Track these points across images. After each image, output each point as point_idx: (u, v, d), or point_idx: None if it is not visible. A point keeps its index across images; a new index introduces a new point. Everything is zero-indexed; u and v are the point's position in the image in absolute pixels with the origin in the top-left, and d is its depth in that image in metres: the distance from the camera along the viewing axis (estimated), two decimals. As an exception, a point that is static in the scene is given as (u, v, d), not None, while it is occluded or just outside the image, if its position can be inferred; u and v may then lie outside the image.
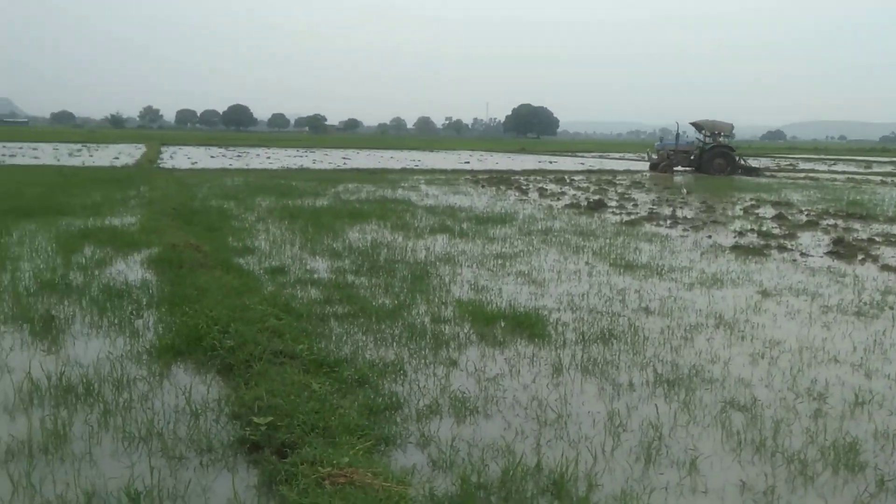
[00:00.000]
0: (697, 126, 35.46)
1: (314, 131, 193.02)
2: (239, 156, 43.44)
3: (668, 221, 14.76)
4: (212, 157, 41.25)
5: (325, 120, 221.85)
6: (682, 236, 12.78)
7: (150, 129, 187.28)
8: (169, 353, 5.48)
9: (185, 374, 5.20)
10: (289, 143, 74.22)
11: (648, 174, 33.02)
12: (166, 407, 4.56)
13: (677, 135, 36.27)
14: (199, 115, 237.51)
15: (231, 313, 6.09)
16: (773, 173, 35.90)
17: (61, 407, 4.55)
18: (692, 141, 35.95)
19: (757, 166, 37.25)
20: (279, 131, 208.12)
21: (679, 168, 34.38)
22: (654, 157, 36.52)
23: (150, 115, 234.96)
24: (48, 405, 4.59)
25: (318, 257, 9.84)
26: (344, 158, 43.74)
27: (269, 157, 42.01)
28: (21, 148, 46.04)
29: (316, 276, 8.59)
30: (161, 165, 30.98)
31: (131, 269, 8.65)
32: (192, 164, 32.80)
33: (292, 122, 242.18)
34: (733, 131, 35.75)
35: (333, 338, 6.06)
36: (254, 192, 18.62)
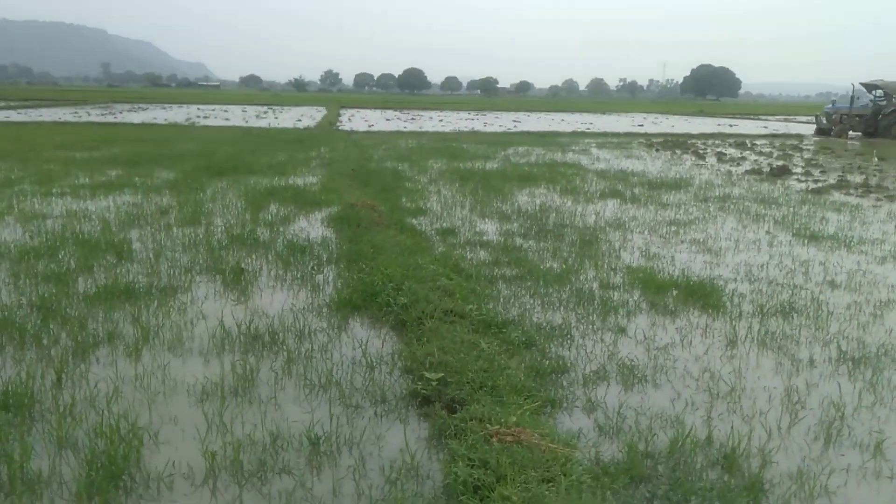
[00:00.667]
0: (870, 87, 32.09)
1: (486, 94, 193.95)
2: (413, 118, 44.34)
3: (860, 190, 13.78)
4: (387, 119, 42.36)
5: (497, 83, 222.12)
6: (874, 206, 11.90)
7: (329, 92, 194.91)
8: (347, 307, 5.75)
9: (362, 327, 5.44)
10: (461, 105, 75.00)
11: (816, 139, 30.66)
12: (344, 358, 4.80)
13: (852, 97, 32.77)
14: (375, 78, 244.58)
15: (404, 271, 6.29)
16: None
17: (249, 353, 4.90)
18: (866, 104, 32.58)
19: None
20: (452, 94, 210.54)
21: (852, 133, 31.44)
22: (824, 121, 33.62)
23: (331, 78, 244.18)
24: (238, 351, 4.95)
25: (487, 220, 9.94)
26: (514, 121, 43.65)
27: (441, 120, 42.61)
28: (213, 110, 49.28)
29: (485, 238, 8.70)
30: (340, 127, 32.18)
31: (312, 227, 9.11)
32: (369, 126, 33.85)
33: (465, 84, 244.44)
34: None
35: (501, 299, 6.14)
36: (426, 155, 19.00)
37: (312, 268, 7.06)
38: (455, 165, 16.52)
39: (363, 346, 4.95)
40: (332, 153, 18.58)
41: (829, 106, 34.91)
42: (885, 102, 31.83)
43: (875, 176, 16.41)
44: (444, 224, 9.46)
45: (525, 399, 4.01)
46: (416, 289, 5.79)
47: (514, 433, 3.51)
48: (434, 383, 4.14)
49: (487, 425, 3.60)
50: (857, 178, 15.69)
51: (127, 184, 12.35)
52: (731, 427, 3.93)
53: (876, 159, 20.86)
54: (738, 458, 3.59)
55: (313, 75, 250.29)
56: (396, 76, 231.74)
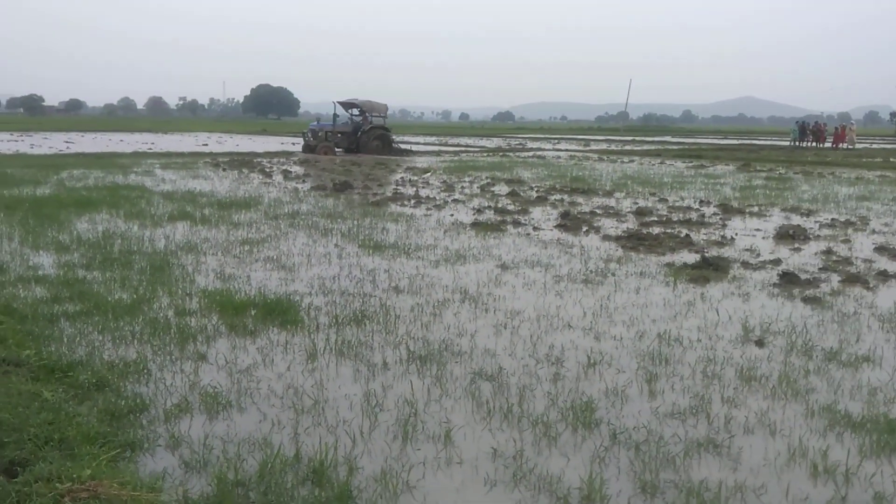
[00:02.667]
0: (347, 105, 34.28)
1: (30, 113, 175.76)
2: (-61, 140, 38.66)
3: (412, 201, 15.13)
4: None
5: (43, 100, 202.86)
6: (426, 215, 13.16)
7: None
8: None
9: None
10: (1, 125, 67.25)
11: (302, 156, 31.05)
12: None
13: (335, 115, 33.87)
14: None
15: (-61, 320, 5.39)
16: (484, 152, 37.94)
17: None
18: (346, 121, 34.17)
19: (408, 148, 36.80)
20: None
21: (337, 149, 32.72)
22: (310, 137, 33.41)
23: None
24: None
25: (42, 252, 8.98)
26: (67, 142, 40.37)
27: (-24, 142, 37.81)
28: None
29: (41, 272, 7.84)
30: None
31: None
32: None
33: (3, 102, 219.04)
34: (387, 112, 35.27)
35: (65, 339, 5.57)
36: (-40, 182, 16.63)
37: None
38: (-2, 193, 14.70)
39: None
40: None
41: (315, 123, 34.93)
42: (361, 119, 33.86)
43: (424, 188, 18.18)
44: (-11, 260, 8.33)
45: (101, 447, 3.66)
46: (-45, 339, 4.99)
47: (89, 488, 3.18)
48: (-13, 447, 3.58)
49: (57, 484, 3.21)
50: (410, 191, 17.23)
51: None
52: (319, 440, 4.01)
53: (429, 174, 23.03)
54: (326, 470, 3.66)
55: None
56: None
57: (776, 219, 13.28)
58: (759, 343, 5.90)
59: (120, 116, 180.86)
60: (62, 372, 4.74)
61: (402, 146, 36.28)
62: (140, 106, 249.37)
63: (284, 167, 24.16)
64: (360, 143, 33.11)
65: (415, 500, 3.49)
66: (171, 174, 20.83)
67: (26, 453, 3.53)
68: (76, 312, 6.30)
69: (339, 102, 34.19)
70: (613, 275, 8.35)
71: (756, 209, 14.59)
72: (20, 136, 47.09)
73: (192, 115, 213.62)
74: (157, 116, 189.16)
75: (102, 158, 26.99)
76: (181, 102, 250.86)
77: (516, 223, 12.26)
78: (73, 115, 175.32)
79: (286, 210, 13.20)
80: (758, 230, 11.93)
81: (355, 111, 34.32)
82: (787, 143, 53.55)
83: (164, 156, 29.63)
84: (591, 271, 8.50)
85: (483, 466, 3.82)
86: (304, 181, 19.48)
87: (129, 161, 25.92)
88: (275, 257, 8.94)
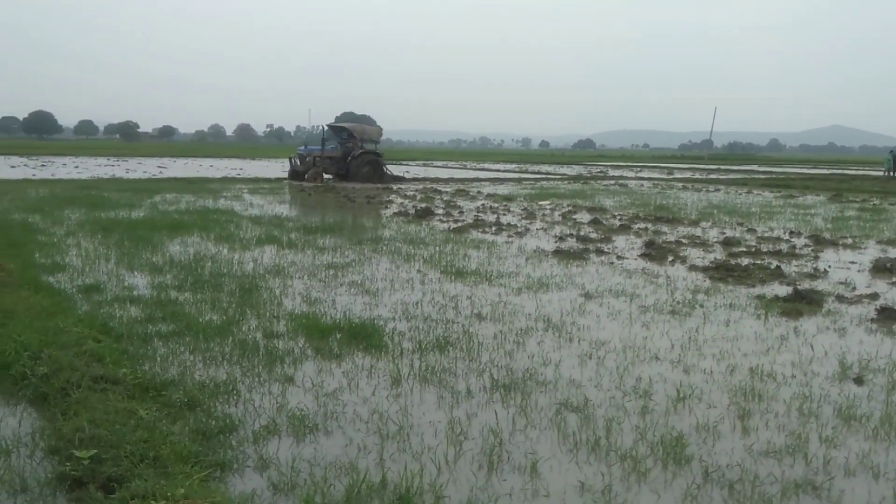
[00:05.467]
0: (338, 129, 32.83)
1: (126, 139, 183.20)
2: (43, 165, 40.74)
3: (493, 228, 15.12)
4: (12, 167, 38.30)
5: (138, 127, 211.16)
6: (507, 242, 13.13)
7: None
8: (-30, 384, 4.96)
9: (-9, 406, 4.72)
10: (98, 151, 70.48)
11: (289, 182, 30.17)
12: (-30, 445, 4.11)
13: (323, 139, 31.79)
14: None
15: (43, 337, 5.62)
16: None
17: None
18: (336, 146, 31.92)
19: (401, 175, 34.82)
20: (87, 139, 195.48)
21: (327, 175, 31.05)
22: (298, 163, 31.29)
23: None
24: None
25: (136, 273, 9.30)
26: (160, 167, 41.92)
27: (77, 167, 39.69)
28: None
29: (136, 292, 8.11)
30: (-48, 176, 28.31)
31: (-79, 292, 7.80)
32: (-11, 174, 30.22)
33: (101, 128, 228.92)
34: (381, 137, 33.28)
35: (158, 359, 5.73)
36: (61, 204, 17.43)
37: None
38: (96, 215, 15.35)
39: (-5, 429, 4.28)
40: (-57, 205, 16.23)
41: (302, 148, 32.55)
42: (351, 145, 31.72)
43: (505, 215, 18.15)
44: (88, 280, 8.67)
45: (192, 466, 3.73)
46: (57, 356, 5.19)
47: (182, 506, 3.24)
48: (86, 462, 3.69)
49: (152, 502, 3.28)
50: (491, 217, 17.23)
51: None
52: (404, 466, 4.00)
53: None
54: (412, 498, 3.65)
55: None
56: (21, 119, 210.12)
57: (872, 251, 12.77)
58: (859, 381, 5.66)
59: (210, 143, 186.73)
60: (156, 390, 4.88)
61: (396, 174, 34.13)
62: (229, 133, 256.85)
63: (367, 193, 24.51)
64: (349, 169, 31.02)
65: (501, 532, 3.44)
66: (259, 199, 21.38)
67: (123, 470, 3.62)
68: (169, 332, 6.49)
69: (329, 126, 32.82)
70: (701, 306, 8.14)
71: (850, 241, 14.06)
72: (116, 161, 49.09)
73: (278, 142, 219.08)
74: (246, 143, 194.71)
75: (193, 183, 27.89)
76: (268, 129, 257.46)
77: (599, 251, 12.11)
78: (165, 141, 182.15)
79: (369, 235, 13.36)
80: (852, 263, 11.48)
81: (346, 134, 32.53)
82: (881, 174, 51.57)
83: (251, 181, 30.45)
84: (679, 302, 8.31)
85: (571, 500, 3.75)
86: (386, 207, 19.72)
87: (218, 186, 26.72)
88: (359, 282, 9.04)
